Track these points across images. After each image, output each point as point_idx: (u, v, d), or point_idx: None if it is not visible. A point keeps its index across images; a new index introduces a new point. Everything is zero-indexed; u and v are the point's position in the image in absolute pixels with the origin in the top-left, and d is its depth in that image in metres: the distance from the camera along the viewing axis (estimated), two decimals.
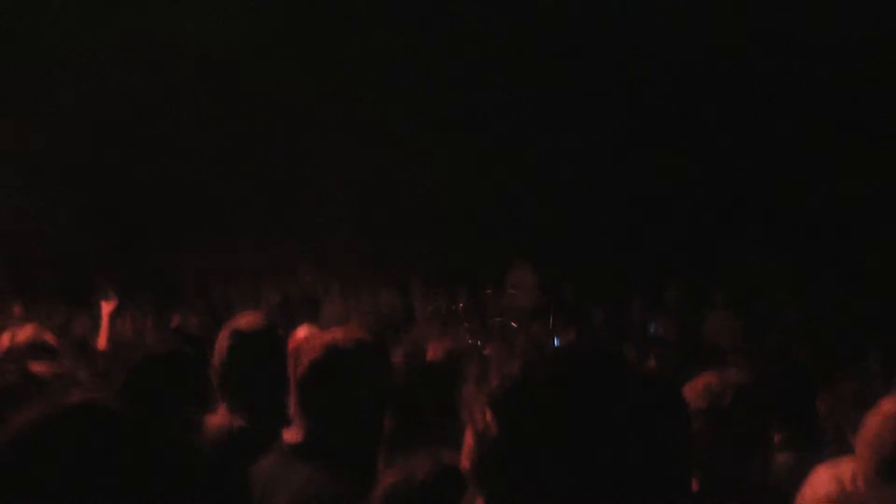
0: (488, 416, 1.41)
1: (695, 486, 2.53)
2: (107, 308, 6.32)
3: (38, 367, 2.60)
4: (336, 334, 2.88)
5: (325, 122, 12.07)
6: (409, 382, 3.30)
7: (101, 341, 6.20)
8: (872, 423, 2.41)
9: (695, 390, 2.75)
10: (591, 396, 1.40)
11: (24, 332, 4.14)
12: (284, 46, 12.30)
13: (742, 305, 10.74)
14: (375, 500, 2.16)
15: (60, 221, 11.78)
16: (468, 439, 1.46)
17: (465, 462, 1.47)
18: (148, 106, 11.93)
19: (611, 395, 1.41)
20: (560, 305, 11.27)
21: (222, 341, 3.26)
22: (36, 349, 4.01)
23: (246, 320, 3.35)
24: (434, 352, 4.11)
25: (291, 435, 2.71)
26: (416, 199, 11.82)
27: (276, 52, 12.25)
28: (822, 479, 2.40)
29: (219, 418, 3.25)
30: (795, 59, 11.38)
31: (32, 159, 11.92)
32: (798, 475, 2.51)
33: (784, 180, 11.55)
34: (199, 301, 11.01)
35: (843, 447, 3.17)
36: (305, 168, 12.39)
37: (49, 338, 4.15)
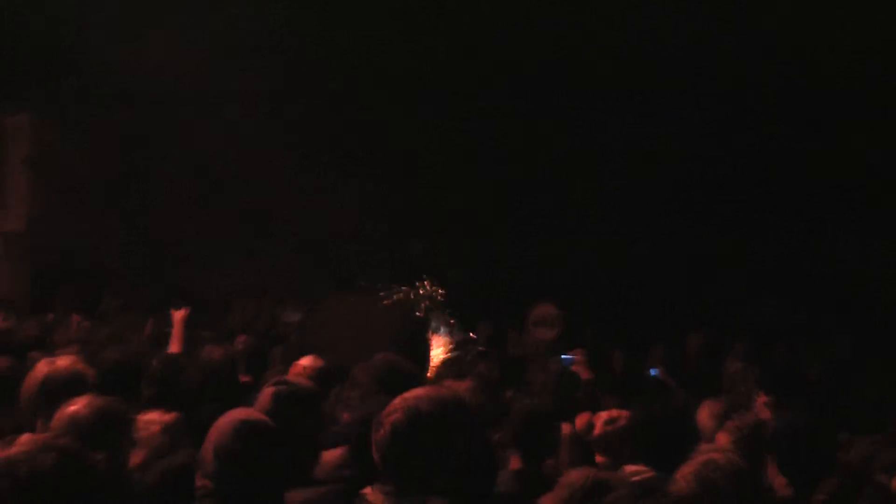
0: None
1: None
2: (178, 315, 6.94)
3: None
4: (419, 395, 2.76)
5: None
6: None
7: (174, 345, 6.80)
8: None
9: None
10: None
11: (63, 362, 4.06)
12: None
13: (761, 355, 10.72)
14: None
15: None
16: None
17: None
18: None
19: None
20: (581, 345, 11.13)
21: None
22: (73, 381, 3.91)
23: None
24: None
25: (376, 496, 2.54)
26: (442, 233, 11.79)
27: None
28: None
29: None
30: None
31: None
32: None
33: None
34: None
35: None
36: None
37: (86, 369, 4.08)
